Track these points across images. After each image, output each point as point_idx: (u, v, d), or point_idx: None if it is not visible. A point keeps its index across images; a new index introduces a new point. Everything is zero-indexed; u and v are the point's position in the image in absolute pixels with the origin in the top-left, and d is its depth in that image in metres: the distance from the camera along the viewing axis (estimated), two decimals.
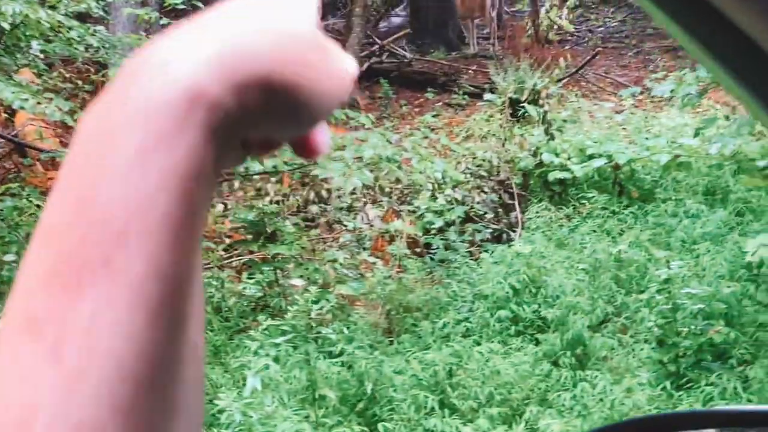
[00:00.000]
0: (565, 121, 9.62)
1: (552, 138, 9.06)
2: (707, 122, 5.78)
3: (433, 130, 11.18)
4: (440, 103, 14.16)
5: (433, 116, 12.89)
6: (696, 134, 6.06)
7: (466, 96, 13.74)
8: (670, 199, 8.34)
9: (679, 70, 8.11)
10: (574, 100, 11.60)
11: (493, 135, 10.06)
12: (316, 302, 5.99)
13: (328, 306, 6.18)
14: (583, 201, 8.44)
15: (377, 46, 16.42)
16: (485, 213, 8.64)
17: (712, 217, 7.81)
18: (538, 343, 6.18)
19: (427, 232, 8.24)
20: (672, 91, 5.39)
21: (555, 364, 5.92)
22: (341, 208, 8.77)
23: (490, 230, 8.32)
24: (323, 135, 0.54)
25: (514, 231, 8.40)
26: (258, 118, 0.48)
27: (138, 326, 0.42)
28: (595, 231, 7.93)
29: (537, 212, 8.42)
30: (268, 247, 6.44)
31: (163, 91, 0.44)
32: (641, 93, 11.74)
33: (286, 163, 5.80)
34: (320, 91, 0.49)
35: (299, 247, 7.13)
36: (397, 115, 13.71)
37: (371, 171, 5.58)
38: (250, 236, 7.17)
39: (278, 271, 6.81)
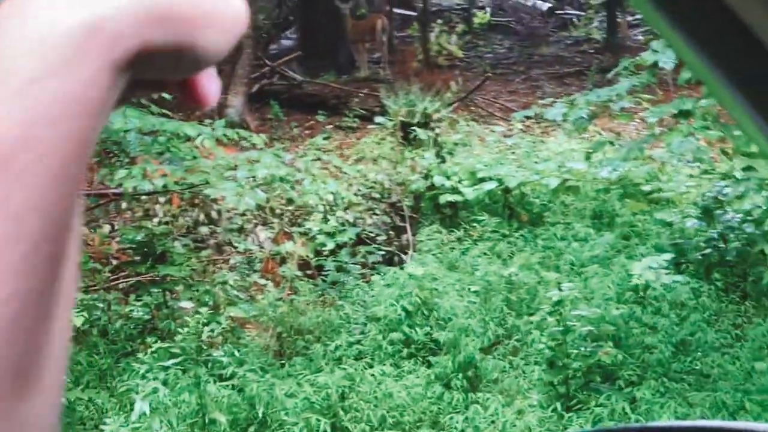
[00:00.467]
0: (456, 144, 9.70)
1: (443, 161, 9.11)
2: (597, 146, 5.88)
3: (324, 152, 11.18)
4: (331, 126, 14.13)
5: (325, 138, 12.84)
6: (587, 158, 6.17)
7: (356, 119, 13.77)
8: (559, 222, 8.46)
9: (567, 96, 8.27)
10: (464, 124, 11.70)
11: (384, 158, 10.08)
12: (206, 324, 5.88)
13: (219, 328, 6.08)
14: (474, 224, 8.50)
15: (268, 68, 16.32)
16: (377, 235, 8.63)
17: (599, 240, 7.95)
18: (430, 365, 6.17)
19: (318, 254, 8.19)
20: (564, 114, 5.47)
21: (447, 386, 5.92)
22: (232, 230, 8.65)
23: (382, 252, 8.31)
24: (212, 83, 0.51)
25: (405, 253, 8.40)
26: (155, 53, 0.44)
27: (13, 261, 0.39)
28: (486, 254, 7.98)
29: (428, 235, 8.45)
30: (157, 268, 6.30)
31: (63, 21, 0.41)
32: (532, 117, 11.95)
33: (176, 183, 5.68)
34: (217, 27, 0.47)
35: (189, 268, 7.00)
36: (288, 137, 13.63)
37: (264, 191, 5.51)
38: (138, 257, 7.01)
39: (167, 293, 6.67)
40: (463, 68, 18.73)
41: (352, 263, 7.90)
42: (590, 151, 5.96)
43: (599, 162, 8.57)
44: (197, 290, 6.55)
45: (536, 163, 8.91)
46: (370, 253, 8.20)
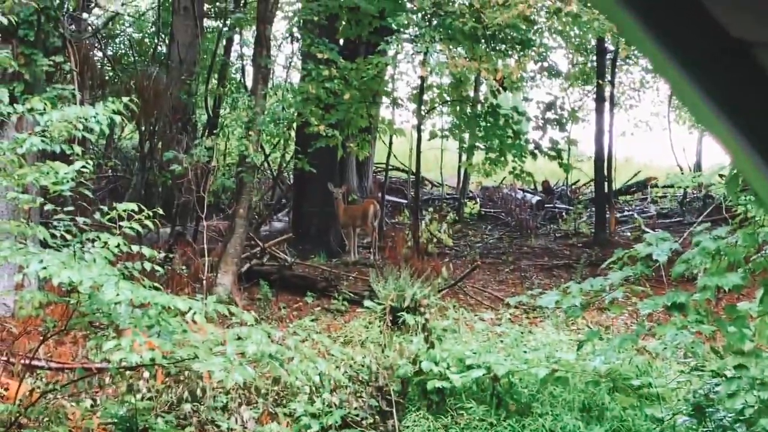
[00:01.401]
0: (444, 330, 9.67)
1: (432, 346, 9.06)
2: (589, 335, 5.86)
3: (313, 333, 11.15)
4: (319, 308, 14.13)
5: (312, 320, 12.83)
6: (579, 347, 6.14)
7: (345, 302, 13.79)
8: (548, 413, 8.34)
9: (556, 287, 8.31)
10: (453, 311, 11.72)
11: (372, 342, 10.04)
12: None
13: None
14: (461, 411, 8.38)
15: (258, 249, 16.43)
16: (363, 419, 8.50)
17: None
18: None
19: None
20: (556, 302, 5.49)
21: None
22: (215, 408, 8.52)
23: None
24: None
25: None
26: None
27: None
28: None
29: (415, 420, 8.32)
30: None
31: None
32: (523, 305, 11.99)
33: (164, 356, 5.63)
34: None
35: None
36: (276, 317, 13.61)
37: (253, 368, 5.46)
38: None
39: None
40: (453, 256, 18.91)
41: None
42: (581, 340, 5.94)
43: (589, 354, 8.56)
44: None
45: (525, 352, 8.86)
46: None
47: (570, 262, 18.04)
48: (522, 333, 10.67)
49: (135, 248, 5.95)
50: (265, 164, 22.85)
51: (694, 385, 7.84)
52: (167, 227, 18.81)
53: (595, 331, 6.48)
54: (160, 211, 7.16)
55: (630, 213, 22.99)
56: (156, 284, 5.98)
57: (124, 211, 6.08)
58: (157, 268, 6.03)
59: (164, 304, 5.49)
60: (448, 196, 26.09)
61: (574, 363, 8.42)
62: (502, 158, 17.66)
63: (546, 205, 24.53)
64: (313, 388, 8.51)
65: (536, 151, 17.31)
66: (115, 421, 6.72)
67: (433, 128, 20.37)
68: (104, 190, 21.56)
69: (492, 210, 24.53)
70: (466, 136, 17.61)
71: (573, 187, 26.75)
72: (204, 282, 14.38)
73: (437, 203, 24.75)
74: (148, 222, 6.14)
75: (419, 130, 19.02)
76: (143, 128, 19.69)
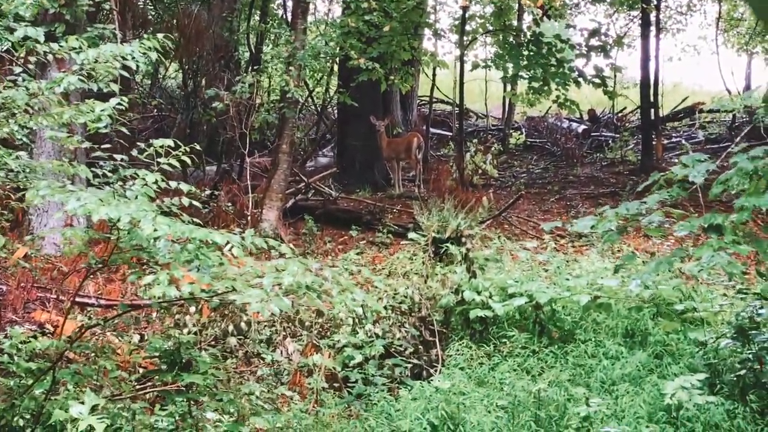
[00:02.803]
0: (487, 259, 9.65)
1: (474, 276, 9.07)
2: (626, 259, 5.82)
3: (348, 267, 11.24)
4: (364, 241, 14.18)
5: (357, 253, 12.89)
6: (615, 270, 6.10)
7: (390, 235, 13.82)
8: (591, 340, 8.33)
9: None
10: (497, 240, 11.70)
11: (415, 273, 10.08)
12: None
13: None
14: (504, 340, 8.41)
15: (303, 184, 16.49)
16: (405, 348, 8.56)
17: (631, 359, 7.82)
18: None
19: (346, 366, 8.13)
20: (592, 227, 5.45)
21: None
22: (260, 341, 8.63)
23: (410, 366, 8.24)
24: None
25: (434, 367, 8.31)
26: None
27: None
28: (515, 370, 7.87)
29: (457, 350, 8.36)
30: (182, 375, 6.25)
31: None
32: (562, 231, 11.96)
33: (203, 290, 5.68)
34: None
35: (215, 378, 6.95)
36: (321, 251, 13.68)
37: (292, 300, 5.50)
38: (164, 366, 6.97)
39: (192, 403, 6.60)
40: (498, 187, 18.84)
41: (379, 376, 7.83)
42: (620, 263, 5.90)
43: (628, 278, 8.52)
44: (221, 400, 6.48)
45: (567, 280, 8.83)
46: (398, 366, 8.13)
47: (616, 190, 17.91)
48: (567, 262, 10.64)
49: (173, 184, 5.96)
50: (309, 100, 22.80)
51: (737, 308, 7.79)
52: (213, 165, 18.96)
53: (630, 255, 6.43)
54: (198, 147, 7.17)
55: (678, 139, 22.68)
56: (196, 219, 6.00)
57: (161, 147, 6.09)
58: (197, 204, 6.04)
59: (202, 238, 5.52)
60: (493, 128, 25.91)
61: (617, 289, 8.39)
62: (546, 87, 17.47)
63: (592, 134, 24.29)
64: (356, 320, 8.58)
65: (580, 79, 17.09)
66: (160, 354, 6.82)
67: (476, 59, 20.20)
68: (150, 130, 21.68)
69: (537, 140, 24.35)
70: (510, 66, 17.35)
71: (619, 114, 26.43)
72: (249, 218, 14.50)
73: (482, 135, 24.60)
74: (185, 158, 6.15)
75: (462, 61, 18.89)
76: (186, 67, 19.74)
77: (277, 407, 7.17)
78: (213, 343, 8.72)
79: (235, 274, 5.63)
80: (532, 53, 17.27)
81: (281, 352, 8.66)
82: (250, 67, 14.98)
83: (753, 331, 7.18)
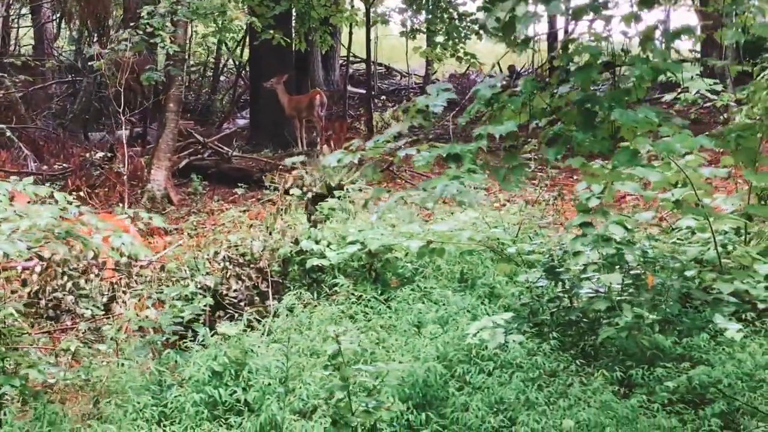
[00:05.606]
0: (332, 209, 9.51)
1: (314, 226, 9.00)
2: (376, 192, 5.74)
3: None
4: (253, 199, 14.07)
5: (243, 211, 12.79)
6: (364, 205, 6.03)
7: (277, 191, 13.68)
8: (427, 287, 8.23)
9: None
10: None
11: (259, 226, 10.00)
12: None
13: None
14: (335, 288, 8.31)
15: (200, 144, 16.37)
16: (240, 300, 8.49)
17: (456, 302, 7.74)
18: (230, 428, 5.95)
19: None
20: (339, 160, 5.34)
21: None
22: (88, 297, 8.56)
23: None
24: None
25: (266, 317, 8.19)
26: None
27: None
28: (339, 316, 7.77)
29: (289, 299, 8.25)
30: None
31: None
32: None
33: None
34: None
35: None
36: (207, 210, 13.58)
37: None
38: None
39: None
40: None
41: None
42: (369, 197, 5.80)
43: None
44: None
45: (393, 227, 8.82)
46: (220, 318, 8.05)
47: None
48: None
49: None
50: (224, 61, 22.64)
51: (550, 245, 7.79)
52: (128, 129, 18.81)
53: (380, 189, 6.27)
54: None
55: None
56: None
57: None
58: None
59: None
60: (415, 86, 25.77)
61: (449, 233, 8.30)
62: (450, 42, 17.39)
63: (510, 88, 24.12)
64: (187, 272, 8.52)
65: (481, 31, 17.02)
66: None
67: (382, 15, 20.03)
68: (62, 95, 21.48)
69: (458, 97, 24.22)
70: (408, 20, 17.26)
71: (538, 69, 26.30)
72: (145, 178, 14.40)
73: (404, 93, 24.47)
74: None
75: (368, 16, 18.75)
76: (90, 30, 19.51)
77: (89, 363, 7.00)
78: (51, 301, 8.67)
79: None
80: (432, 6, 17.19)
81: (119, 307, 8.56)
82: (127, 25, 14.70)
83: (558, 269, 7.15)
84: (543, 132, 5.18)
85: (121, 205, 12.82)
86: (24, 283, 8.85)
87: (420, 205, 6.79)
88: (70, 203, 6.15)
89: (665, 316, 6.93)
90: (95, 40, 18.87)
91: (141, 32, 13.30)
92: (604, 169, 5.78)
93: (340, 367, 5.34)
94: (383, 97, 24.35)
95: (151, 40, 13.52)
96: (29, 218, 5.22)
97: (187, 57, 14.47)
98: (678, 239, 8.37)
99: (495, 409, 6.07)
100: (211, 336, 6.82)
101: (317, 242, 8.68)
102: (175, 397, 6.16)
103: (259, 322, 7.72)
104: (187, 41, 14.52)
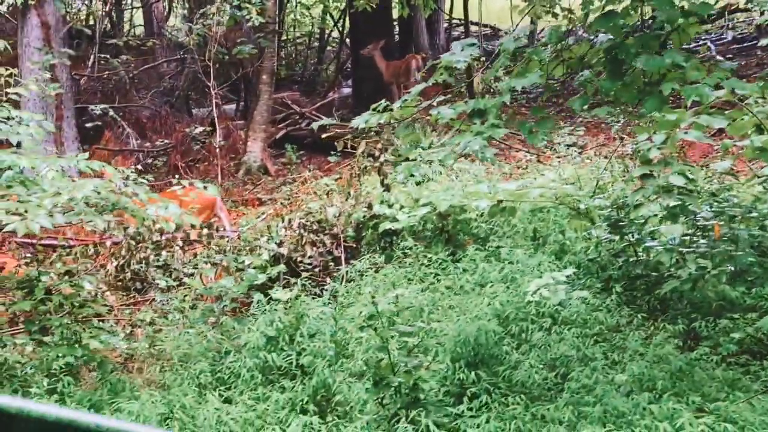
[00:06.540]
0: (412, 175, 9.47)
1: (387, 190, 9.01)
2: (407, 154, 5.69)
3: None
4: (349, 167, 14.12)
5: (336, 179, 12.86)
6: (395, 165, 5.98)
7: (370, 158, 13.72)
8: (500, 246, 8.17)
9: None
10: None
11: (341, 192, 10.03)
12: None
13: None
14: (407, 250, 8.30)
15: (299, 115, 16.50)
16: (315, 266, 8.57)
17: (529, 261, 7.65)
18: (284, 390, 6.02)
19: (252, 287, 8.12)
20: (367, 121, 5.32)
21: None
22: (159, 267, 8.74)
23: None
24: None
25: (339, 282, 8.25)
26: None
27: None
28: (409, 279, 7.78)
29: (362, 263, 8.28)
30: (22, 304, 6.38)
31: None
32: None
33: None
34: None
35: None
36: (301, 179, 13.72)
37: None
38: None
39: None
40: None
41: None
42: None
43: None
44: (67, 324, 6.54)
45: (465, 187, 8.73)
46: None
47: None
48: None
49: None
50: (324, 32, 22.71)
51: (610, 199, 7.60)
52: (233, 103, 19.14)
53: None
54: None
55: (704, 42, 21.85)
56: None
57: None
58: None
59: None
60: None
61: (520, 192, 8.18)
62: None
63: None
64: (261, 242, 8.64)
65: None
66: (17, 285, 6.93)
67: None
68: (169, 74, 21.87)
69: None
70: None
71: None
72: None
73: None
74: None
75: None
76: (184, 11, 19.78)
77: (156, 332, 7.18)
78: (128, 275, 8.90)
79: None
80: None
81: (201, 278, 8.73)
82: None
83: (620, 223, 6.99)
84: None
85: (215, 178, 13.07)
86: (113, 256, 9.11)
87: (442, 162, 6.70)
88: (127, 177, 6.31)
89: (735, 266, 6.70)
90: (198, 17, 19.13)
91: (228, 5, 13.44)
92: (666, 115, 5.60)
93: (377, 329, 5.34)
94: (482, 58, 23.99)
95: (237, 13, 13.65)
96: (68, 192, 5.35)
97: (278, 29, 14.50)
98: (765, 187, 8.06)
99: (549, 365, 5.99)
100: (267, 302, 6.90)
101: (390, 206, 8.68)
102: (231, 362, 6.27)
103: (322, 287, 7.78)
104: (277, 13, 14.57)
